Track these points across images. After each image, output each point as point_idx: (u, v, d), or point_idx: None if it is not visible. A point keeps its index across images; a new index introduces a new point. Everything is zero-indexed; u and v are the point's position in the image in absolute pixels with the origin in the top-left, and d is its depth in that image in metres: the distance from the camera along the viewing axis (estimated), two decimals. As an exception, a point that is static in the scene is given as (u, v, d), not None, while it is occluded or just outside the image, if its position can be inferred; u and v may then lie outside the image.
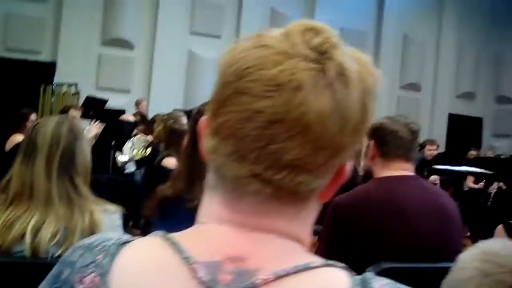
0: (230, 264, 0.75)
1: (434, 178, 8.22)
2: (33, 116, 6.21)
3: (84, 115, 7.78)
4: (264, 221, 0.78)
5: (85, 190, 1.92)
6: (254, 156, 0.75)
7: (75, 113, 7.11)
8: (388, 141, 2.43)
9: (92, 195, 1.94)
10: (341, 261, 2.39)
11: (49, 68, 10.61)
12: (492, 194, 8.73)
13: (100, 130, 6.35)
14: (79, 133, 1.97)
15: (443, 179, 8.42)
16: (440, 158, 8.44)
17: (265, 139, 0.75)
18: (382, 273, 2.07)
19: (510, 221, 2.80)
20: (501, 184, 8.53)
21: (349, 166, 0.84)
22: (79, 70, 10.61)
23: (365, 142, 2.55)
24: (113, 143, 7.27)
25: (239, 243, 0.77)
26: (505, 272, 0.96)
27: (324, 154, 0.76)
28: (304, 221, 0.82)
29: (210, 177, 0.82)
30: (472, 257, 1.02)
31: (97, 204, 1.92)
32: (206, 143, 0.80)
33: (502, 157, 9.02)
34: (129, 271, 0.77)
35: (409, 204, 2.31)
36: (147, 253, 0.79)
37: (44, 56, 10.86)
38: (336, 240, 2.37)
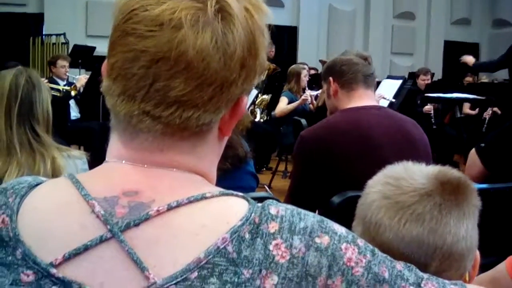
0: (125, 198, 0.80)
1: (428, 107, 8.20)
2: (19, 69, 6.21)
3: (73, 64, 7.79)
4: (160, 156, 0.83)
5: (46, 137, 1.97)
6: (142, 95, 0.79)
7: (63, 63, 7.11)
8: (345, 70, 2.49)
9: (54, 141, 1.99)
10: (310, 192, 2.46)
11: (37, 20, 10.53)
12: (486, 120, 8.76)
13: (87, 79, 6.38)
14: (37, 83, 2.01)
15: (437, 107, 8.42)
16: (432, 87, 8.41)
17: (151, 77, 0.78)
18: (346, 201, 2.14)
19: (481, 144, 2.83)
20: (495, 109, 8.53)
21: (245, 100, 0.87)
22: (67, 19, 10.52)
23: (324, 85, 2.60)
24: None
25: (135, 178, 0.81)
26: (402, 193, 1.01)
27: (210, 89, 0.79)
28: (203, 155, 0.86)
29: (111, 118, 0.86)
30: (376, 181, 1.07)
31: (60, 150, 1.98)
32: (103, 84, 0.84)
33: (495, 82, 8.98)
34: (34, 210, 0.82)
35: (373, 132, 2.36)
36: (52, 192, 0.84)
37: (30, 8, 10.74)
38: (304, 172, 2.44)
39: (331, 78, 2.54)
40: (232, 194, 0.84)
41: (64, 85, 6.99)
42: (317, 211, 2.50)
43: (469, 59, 7.59)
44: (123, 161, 0.83)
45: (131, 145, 0.83)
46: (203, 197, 0.81)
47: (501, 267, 1.39)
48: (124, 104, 0.81)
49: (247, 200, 0.83)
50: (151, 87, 0.78)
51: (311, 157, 2.38)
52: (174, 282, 0.74)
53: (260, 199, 2.21)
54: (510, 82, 7.59)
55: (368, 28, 13.64)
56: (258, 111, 7.65)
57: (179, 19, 0.77)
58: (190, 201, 0.80)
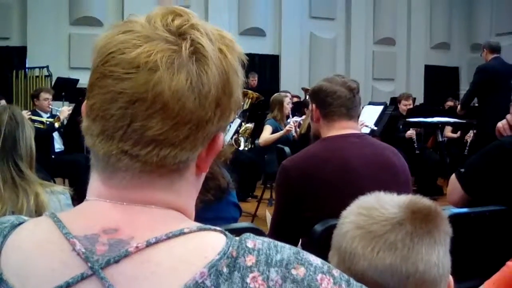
0: (105, 236, 0.82)
1: (411, 132, 8.26)
2: (2, 102, 6.22)
3: (56, 97, 7.81)
4: (139, 194, 0.85)
5: (29, 173, 1.98)
6: (120, 134, 0.82)
7: (46, 96, 7.12)
8: (328, 102, 2.49)
9: (37, 177, 2.00)
10: (292, 221, 2.47)
11: (20, 53, 10.61)
12: (468, 142, 8.85)
13: (71, 111, 6.39)
14: (20, 120, 2.04)
15: (419, 132, 8.50)
16: (414, 111, 8.50)
17: (128, 118, 0.81)
18: (328, 230, 2.16)
19: (461, 169, 2.87)
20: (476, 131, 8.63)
21: (221, 137, 0.90)
22: (50, 52, 10.60)
23: (311, 106, 2.62)
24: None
25: (114, 216, 0.84)
26: (374, 223, 1.04)
27: (186, 128, 0.82)
28: (181, 192, 0.89)
29: (91, 157, 0.88)
30: (349, 212, 1.11)
31: (44, 186, 1.99)
32: (83, 124, 0.87)
33: (475, 105, 9.12)
34: (17, 249, 0.84)
35: (353, 161, 2.39)
36: (34, 231, 0.86)
37: (14, 41, 10.82)
38: (286, 201, 2.46)
39: (314, 105, 2.57)
40: (210, 229, 0.86)
41: (48, 118, 6.99)
42: (300, 240, 2.52)
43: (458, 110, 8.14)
44: (103, 199, 0.86)
45: (110, 183, 0.85)
46: (181, 233, 0.83)
47: None
48: (103, 143, 0.83)
49: (225, 234, 0.86)
50: (128, 127, 0.81)
51: (292, 187, 2.40)
52: None
53: (243, 230, 2.21)
54: (480, 105, 7.88)
55: (349, 54, 13.81)
56: (242, 140, 7.68)
57: (155, 61, 0.80)
58: (168, 237, 0.82)
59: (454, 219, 2.62)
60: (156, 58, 0.80)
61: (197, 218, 2.23)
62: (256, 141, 7.49)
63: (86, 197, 0.89)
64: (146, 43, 0.82)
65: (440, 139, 7.89)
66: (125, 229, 0.82)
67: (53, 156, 6.76)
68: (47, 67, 10.12)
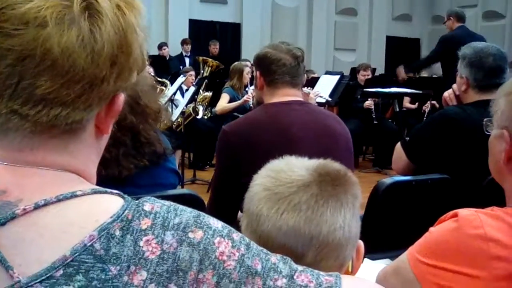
0: None
1: (369, 102, 8.29)
2: None
3: None
4: (30, 155, 0.82)
5: None
6: (9, 93, 0.79)
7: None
8: (272, 69, 2.47)
9: None
10: (231, 186, 2.44)
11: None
12: (426, 113, 8.95)
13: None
14: None
15: (377, 102, 8.55)
16: (372, 82, 8.55)
17: (17, 76, 0.78)
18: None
19: (406, 138, 2.90)
20: (434, 102, 8.72)
21: (121, 98, 0.88)
22: None
23: (255, 73, 2.59)
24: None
25: (4, 178, 0.81)
26: (281, 185, 1.04)
27: (78, 86, 0.79)
28: (77, 153, 0.86)
29: None
30: (259, 175, 1.11)
31: None
32: None
33: (434, 76, 9.22)
34: None
35: (294, 126, 2.38)
36: None
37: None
38: (226, 166, 2.46)
39: (258, 72, 2.54)
40: (105, 192, 0.84)
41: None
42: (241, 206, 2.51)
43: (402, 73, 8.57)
44: None
45: (1, 144, 0.83)
46: (73, 195, 0.81)
47: (403, 257, 1.43)
48: None
49: (123, 198, 0.84)
50: (17, 86, 0.78)
51: (232, 151, 2.39)
52: (38, 280, 0.75)
53: (181, 197, 2.16)
54: (444, 76, 7.91)
55: (311, 24, 13.78)
56: (200, 108, 7.62)
57: (44, 17, 0.77)
58: (59, 200, 0.80)
59: (396, 187, 2.65)
60: (46, 13, 0.77)
61: (133, 184, 2.16)
62: (213, 110, 7.45)
63: None
64: None
65: (397, 110, 7.96)
66: (14, 191, 0.80)
67: None
68: None
